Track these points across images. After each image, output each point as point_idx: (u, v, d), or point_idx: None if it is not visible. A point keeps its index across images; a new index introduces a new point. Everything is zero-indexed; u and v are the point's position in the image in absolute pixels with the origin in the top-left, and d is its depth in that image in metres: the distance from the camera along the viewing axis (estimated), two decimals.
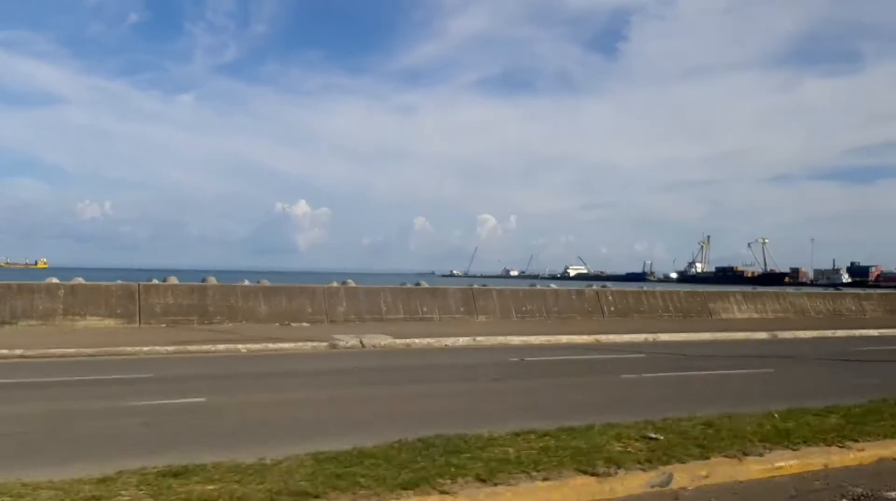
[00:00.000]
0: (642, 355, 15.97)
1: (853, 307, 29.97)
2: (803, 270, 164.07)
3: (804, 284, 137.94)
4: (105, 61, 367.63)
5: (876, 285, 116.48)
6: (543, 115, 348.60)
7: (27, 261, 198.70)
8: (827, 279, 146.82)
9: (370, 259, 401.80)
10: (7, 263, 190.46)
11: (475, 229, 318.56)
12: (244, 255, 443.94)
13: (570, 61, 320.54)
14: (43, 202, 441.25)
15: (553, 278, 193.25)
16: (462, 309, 22.00)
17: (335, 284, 22.41)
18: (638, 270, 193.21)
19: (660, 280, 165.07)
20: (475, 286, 24.42)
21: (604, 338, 18.75)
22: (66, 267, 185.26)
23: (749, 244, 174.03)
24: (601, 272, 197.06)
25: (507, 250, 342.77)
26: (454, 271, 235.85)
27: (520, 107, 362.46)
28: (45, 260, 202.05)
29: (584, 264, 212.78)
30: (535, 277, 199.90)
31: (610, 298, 25.12)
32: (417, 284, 25.65)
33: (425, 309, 21.36)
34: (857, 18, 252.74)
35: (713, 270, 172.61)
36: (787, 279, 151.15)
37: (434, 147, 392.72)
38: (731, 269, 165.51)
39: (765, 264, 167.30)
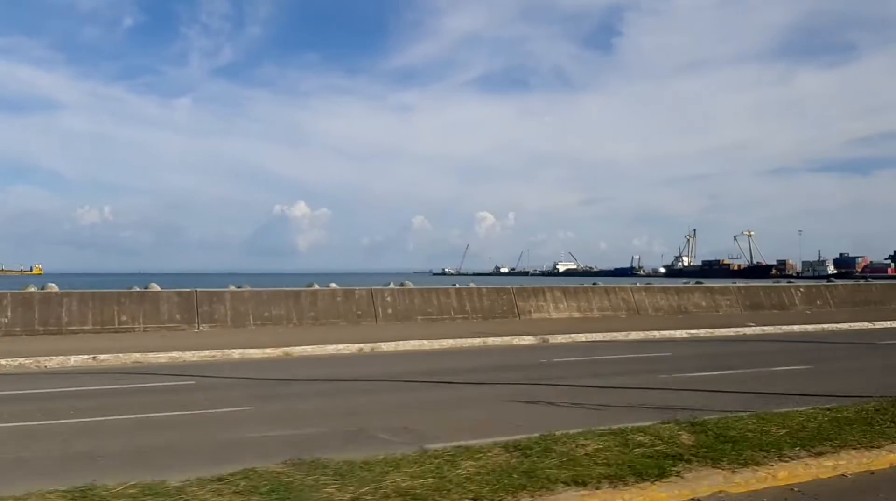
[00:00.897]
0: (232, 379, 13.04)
1: (703, 303, 26.81)
2: (790, 262, 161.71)
3: (791, 276, 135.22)
4: (101, 66, 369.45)
5: (862, 277, 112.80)
6: (540, 112, 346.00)
7: (22, 267, 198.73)
8: (813, 271, 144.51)
9: (369, 259, 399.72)
10: (2, 269, 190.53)
11: (473, 227, 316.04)
12: (244, 257, 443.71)
13: (566, 58, 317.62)
14: (41, 209, 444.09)
15: (542, 274, 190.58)
16: (178, 317, 19.11)
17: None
18: (633, 265, 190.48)
19: (648, 275, 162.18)
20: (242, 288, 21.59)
21: (295, 350, 15.80)
22: (64, 273, 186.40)
23: (735, 237, 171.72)
24: (590, 268, 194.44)
25: (507, 247, 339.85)
26: (447, 270, 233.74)
27: (516, 104, 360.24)
28: (40, 266, 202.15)
29: (575, 260, 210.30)
30: (525, 273, 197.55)
31: (388, 298, 22.14)
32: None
33: (124, 318, 18.50)
34: (851, 9, 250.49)
35: (700, 263, 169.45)
36: (773, 272, 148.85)
37: (431, 146, 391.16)
38: (717, 262, 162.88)
39: (751, 257, 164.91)
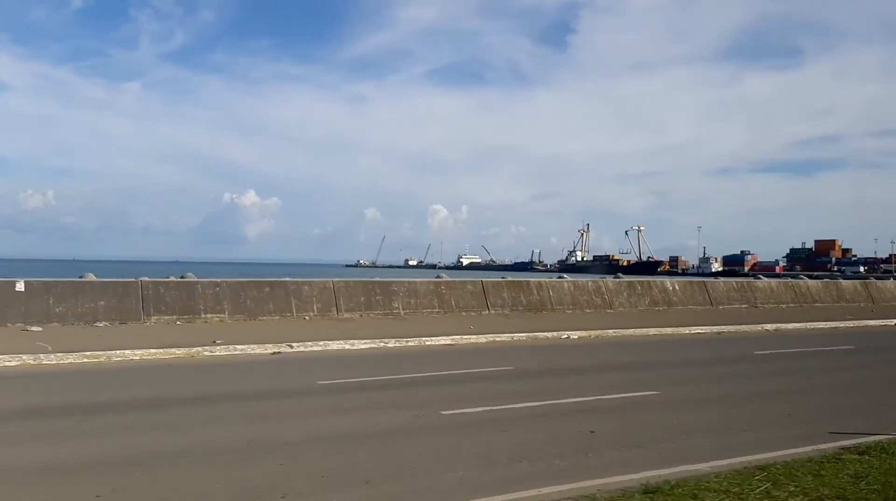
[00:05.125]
0: None
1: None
2: (682, 258, 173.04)
3: (676, 273, 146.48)
4: (48, 47, 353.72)
5: (753, 274, 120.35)
6: (494, 106, 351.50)
7: None
8: (698, 269, 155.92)
9: (320, 250, 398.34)
10: None
11: (426, 220, 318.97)
12: (192, 246, 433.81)
13: (521, 53, 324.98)
14: None
15: (447, 267, 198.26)
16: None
17: None
18: (532, 259, 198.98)
19: (545, 270, 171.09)
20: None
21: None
22: (5, 259, 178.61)
23: (626, 232, 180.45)
24: (493, 262, 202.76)
25: (459, 240, 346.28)
26: (361, 261, 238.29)
27: (471, 98, 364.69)
28: None
29: (489, 253, 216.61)
30: (433, 266, 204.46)
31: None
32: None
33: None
34: (799, 15, 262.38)
35: (592, 258, 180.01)
36: (663, 268, 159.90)
37: (385, 137, 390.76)
38: (607, 257, 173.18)
39: (639, 253, 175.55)
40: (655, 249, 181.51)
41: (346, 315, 19.77)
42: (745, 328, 20.68)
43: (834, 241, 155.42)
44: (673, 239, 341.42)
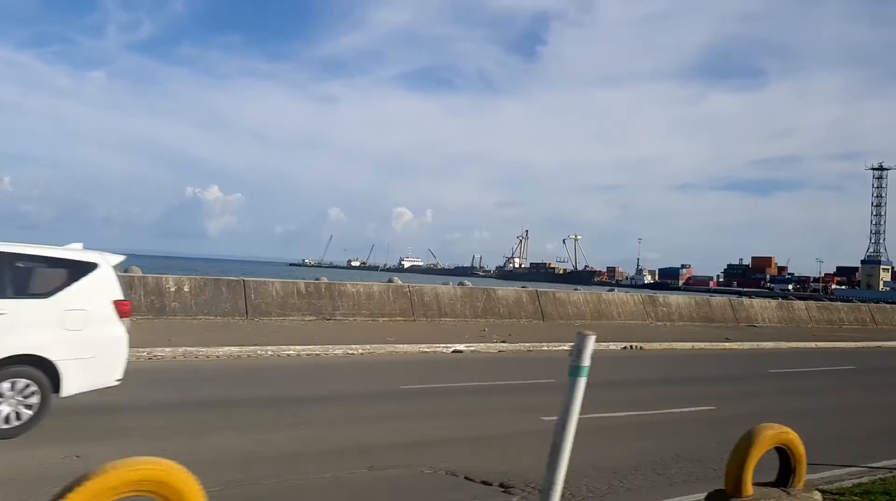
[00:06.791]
0: None
1: None
2: (620, 269, 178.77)
3: (610, 283, 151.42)
4: (10, 31, 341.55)
5: (686, 289, 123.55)
6: (463, 112, 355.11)
7: None
8: (631, 281, 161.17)
9: (281, 248, 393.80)
10: None
11: (391, 222, 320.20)
12: (151, 239, 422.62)
13: (491, 61, 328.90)
14: None
15: (388, 269, 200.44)
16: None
17: None
18: (473, 264, 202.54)
19: (484, 275, 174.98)
20: None
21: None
22: None
23: (563, 241, 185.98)
24: (433, 265, 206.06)
25: (423, 242, 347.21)
26: (306, 261, 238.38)
27: (440, 103, 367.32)
28: None
29: (435, 257, 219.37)
30: (375, 268, 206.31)
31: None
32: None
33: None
34: (764, 37, 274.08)
35: (529, 265, 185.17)
36: (601, 278, 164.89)
37: (352, 138, 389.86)
38: (543, 265, 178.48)
39: (575, 262, 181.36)
40: (614, 259, 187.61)
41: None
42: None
43: (770, 258, 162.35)
44: (631, 251, 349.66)
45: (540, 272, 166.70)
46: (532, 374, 13.46)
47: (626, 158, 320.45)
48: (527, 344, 17.43)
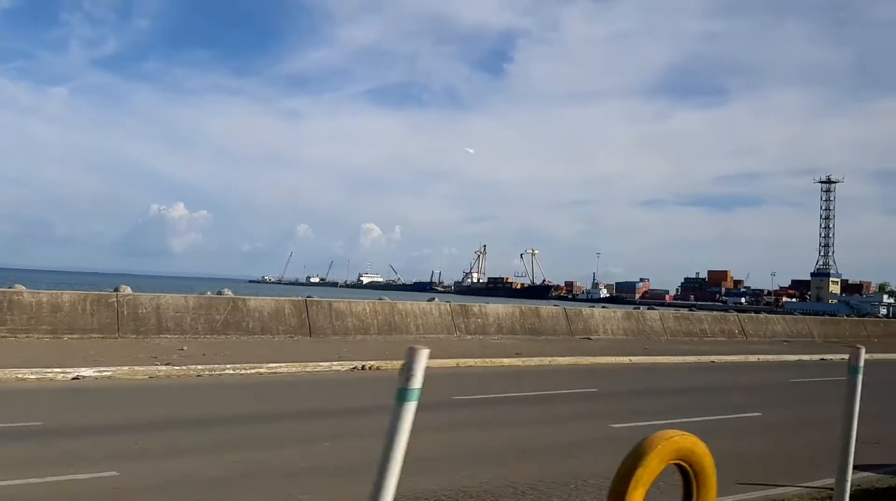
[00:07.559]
0: None
1: None
2: (578, 283, 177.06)
3: (566, 298, 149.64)
4: None
5: (641, 302, 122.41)
6: (430, 128, 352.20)
7: None
8: (587, 295, 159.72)
9: (248, 266, 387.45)
10: None
11: (359, 239, 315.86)
12: (115, 257, 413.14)
13: (458, 78, 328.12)
14: None
15: (347, 285, 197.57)
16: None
17: None
18: (432, 279, 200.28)
19: (445, 290, 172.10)
20: None
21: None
22: None
23: (521, 255, 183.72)
24: (392, 281, 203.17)
25: (391, 258, 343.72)
26: (266, 277, 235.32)
27: (407, 119, 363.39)
28: None
29: (396, 273, 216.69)
30: (335, 284, 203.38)
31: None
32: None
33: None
34: (725, 56, 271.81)
35: (486, 280, 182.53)
36: (559, 292, 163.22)
37: (320, 154, 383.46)
38: (501, 280, 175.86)
39: (532, 276, 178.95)
40: (577, 274, 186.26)
41: None
42: None
43: (726, 272, 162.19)
44: (594, 266, 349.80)
45: (498, 287, 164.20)
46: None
47: (591, 173, 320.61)
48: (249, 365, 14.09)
